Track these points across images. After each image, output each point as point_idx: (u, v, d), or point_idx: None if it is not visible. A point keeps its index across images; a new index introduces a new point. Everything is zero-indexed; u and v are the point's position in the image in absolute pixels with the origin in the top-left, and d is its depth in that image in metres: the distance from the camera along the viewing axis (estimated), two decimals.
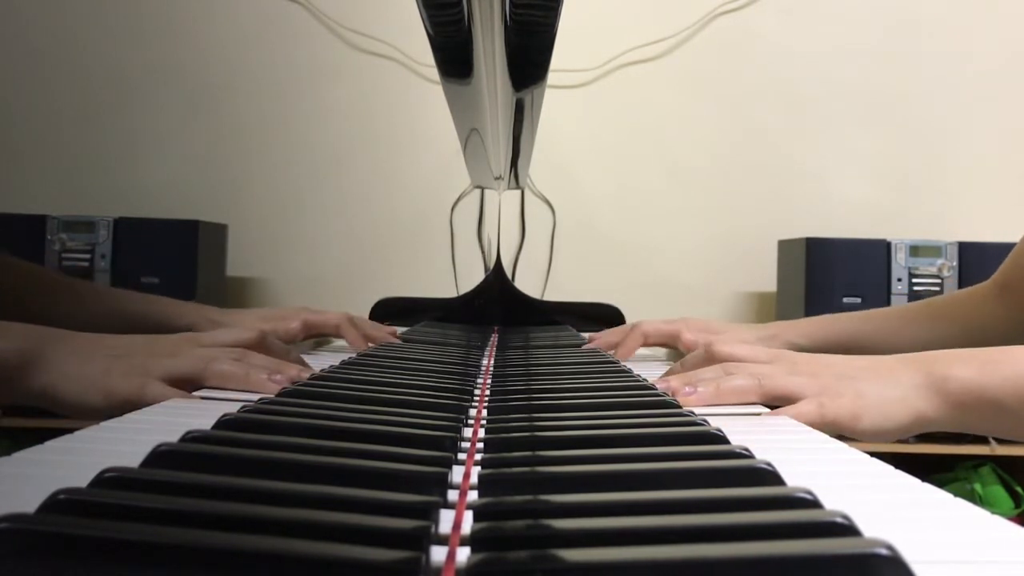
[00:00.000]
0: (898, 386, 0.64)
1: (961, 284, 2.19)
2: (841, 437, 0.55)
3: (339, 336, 1.04)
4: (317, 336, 1.07)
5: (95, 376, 0.63)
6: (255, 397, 0.57)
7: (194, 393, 0.63)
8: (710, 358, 0.70)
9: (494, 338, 1.18)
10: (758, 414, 0.61)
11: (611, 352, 1.00)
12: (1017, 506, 2.19)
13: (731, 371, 0.65)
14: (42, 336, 0.65)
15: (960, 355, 0.67)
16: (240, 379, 0.63)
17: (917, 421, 0.65)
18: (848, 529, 0.28)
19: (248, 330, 0.72)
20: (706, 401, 0.62)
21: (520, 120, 0.89)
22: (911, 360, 0.67)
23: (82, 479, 0.31)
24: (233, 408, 0.48)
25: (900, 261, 2.22)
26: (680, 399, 0.61)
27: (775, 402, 0.63)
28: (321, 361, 0.80)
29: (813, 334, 0.95)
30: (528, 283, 1.52)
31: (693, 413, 0.51)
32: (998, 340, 0.72)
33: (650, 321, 1.02)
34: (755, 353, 0.69)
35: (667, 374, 0.71)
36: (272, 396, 0.56)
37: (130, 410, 0.60)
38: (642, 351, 1.05)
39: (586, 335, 1.12)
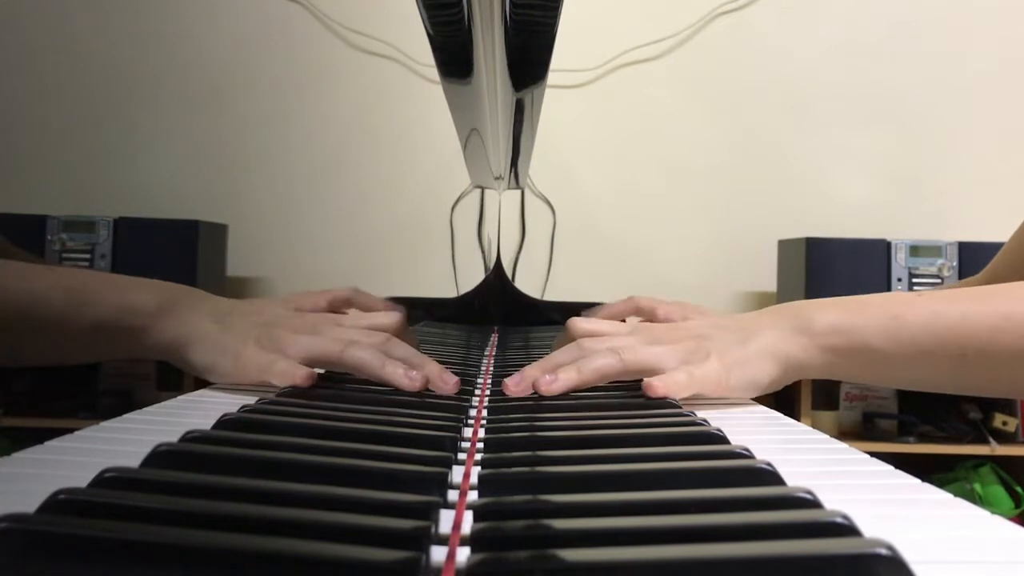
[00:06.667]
0: (762, 337, 0.63)
1: None
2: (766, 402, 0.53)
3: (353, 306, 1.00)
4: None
5: (232, 341, 0.63)
6: (252, 398, 0.57)
7: (204, 390, 0.63)
8: (570, 336, 0.67)
9: (494, 338, 1.18)
10: (757, 413, 0.61)
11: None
12: (1017, 506, 2.19)
13: (590, 347, 0.62)
14: (177, 290, 0.67)
15: (825, 302, 0.66)
16: (376, 368, 0.60)
17: (790, 368, 0.63)
18: (848, 529, 0.28)
19: (389, 314, 0.69)
20: (569, 386, 0.59)
21: (520, 120, 0.89)
22: (775, 310, 0.66)
23: (82, 479, 0.31)
24: (233, 408, 0.48)
25: (900, 261, 2.22)
26: (542, 389, 0.59)
27: (639, 375, 0.61)
28: None
29: None
30: (528, 283, 1.52)
31: (693, 413, 0.51)
32: None
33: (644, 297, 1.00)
34: (614, 327, 0.67)
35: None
36: (272, 397, 0.56)
37: (255, 380, 0.61)
38: None
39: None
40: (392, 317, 0.68)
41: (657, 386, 0.58)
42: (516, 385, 0.61)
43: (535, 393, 0.60)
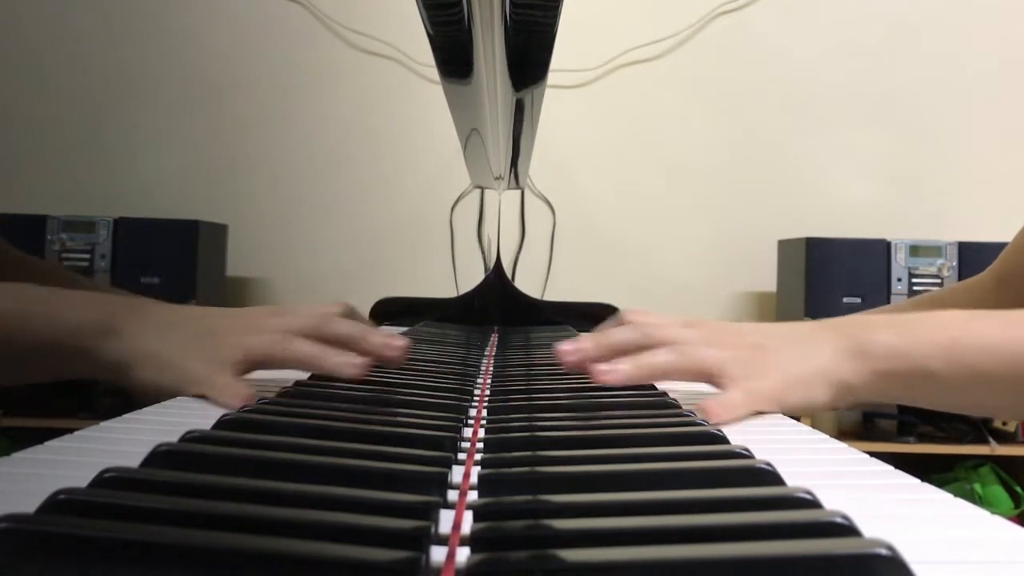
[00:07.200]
0: (818, 355, 0.60)
1: None
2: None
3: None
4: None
5: (171, 355, 0.60)
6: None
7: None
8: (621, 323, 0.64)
9: (494, 338, 1.18)
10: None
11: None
12: (1017, 506, 2.19)
13: (653, 336, 0.60)
14: (120, 306, 0.63)
15: (878, 320, 0.63)
16: (319, 360, 0.59)
17: (841, 392, 0.60)
18: (848, 529, 0.28)
19: (333, 304, 0.66)
20: (625, 380, 0.57)
21: (520, 120, 0.89)
22: (830, 325, 0.63)
23: (82, 479, 0.31)
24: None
25: (900, 261, 2.22)
26: (598, 378, 0.57)
27: (696, 377, 0.59)
28: None
29: None
30: (528, 283, 1.52)
31: (693, 413, 0.51)
32: None
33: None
34: (671, 320, 0.64)
35: None
36: (272, 397, 0.56)
37: (197, 394, 0.59)
38: None
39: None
40: (338, 305, 0.66)
41: (718, 412, 0.55)
42: (570, 355, 0.59)
43: (534, 394, 0.60)
